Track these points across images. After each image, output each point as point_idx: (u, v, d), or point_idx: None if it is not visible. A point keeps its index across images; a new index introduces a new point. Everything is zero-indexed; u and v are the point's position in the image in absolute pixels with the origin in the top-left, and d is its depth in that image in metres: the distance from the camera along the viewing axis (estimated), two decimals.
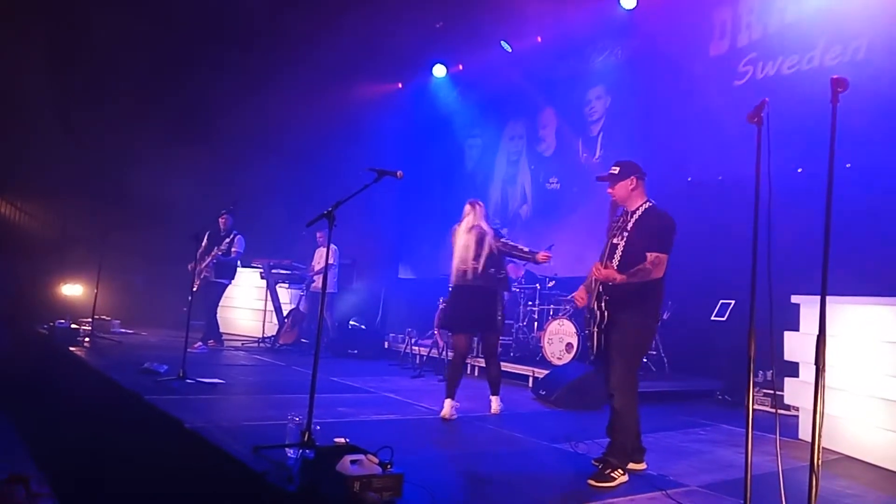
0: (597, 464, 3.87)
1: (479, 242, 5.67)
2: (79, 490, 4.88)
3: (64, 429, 6.03)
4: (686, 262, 7.83)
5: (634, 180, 4.07)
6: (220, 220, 9.06)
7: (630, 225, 4.05)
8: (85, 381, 6.58)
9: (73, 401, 6.49)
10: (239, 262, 9.52)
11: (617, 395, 3.93)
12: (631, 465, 3.91)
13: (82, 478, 5.02)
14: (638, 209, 4.09)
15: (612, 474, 3.66)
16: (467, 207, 5.87)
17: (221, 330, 9.66)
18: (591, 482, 3.61)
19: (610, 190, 4.18)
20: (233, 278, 9.44)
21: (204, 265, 8.82)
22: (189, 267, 7.87)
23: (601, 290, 4.01)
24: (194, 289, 9.07)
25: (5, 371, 8.49)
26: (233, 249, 9.05)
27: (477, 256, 5.62)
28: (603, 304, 3.98)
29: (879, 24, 6.78)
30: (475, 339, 6.60)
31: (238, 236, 9.16)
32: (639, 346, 4.03)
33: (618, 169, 4.11)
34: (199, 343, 8.89)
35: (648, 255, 3.84)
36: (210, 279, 8.93)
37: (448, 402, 5.43)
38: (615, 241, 4.10)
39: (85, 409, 6.05)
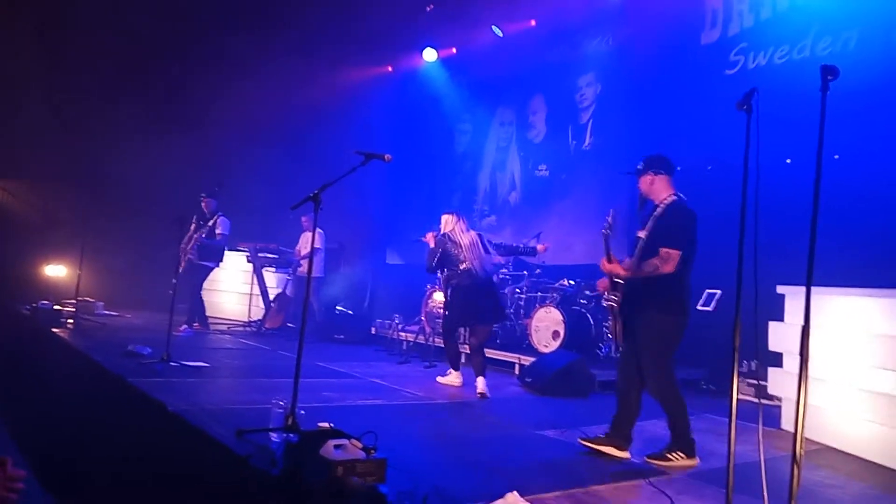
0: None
1: (481, 242, 6.31)
2: (61, 472, 4.85)
3: (46, 411, 5.98)
4: None
5: (652, 175, 4.18)
6: (201, 202, 8.97)
7: (651, 219, 4.15)
8: (68, 362, 6.53)
9: (55, 383, 6.43)
10: (225, 245, 9.39)
11: (653, 393, 4.05)
12: (613, 451, 4.01)
13: (65, 460, 4.98)
14: (661, 203, 4.16)
15: (669, 455, 3.89)
16: (450, 217, 6.38)
17: (207, 313, 9.60)
18: (652, 460, 3.90)
19: (639, 185, 4.31)
20: (219, 261, 9.33)
21: (188, 247, 8.73)
22: (180, 249, 7.85)
23: (614, 283, 4.13)
24: (179, 271, 9.02)
25: None
26: (217, 232, 8.94)
27: (487, 252, 6.34)
28: (616, 297, 4.11)
29: (871, 15, 6.77)
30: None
31: (221, 218, 9.04)
32: (660, 341, 4.03)
33: (641, 164, 4.26)
34: (185, 326, 8.83)
35: (661, 250, 3.91)
36: (194, 262, 8.85)
37: (481, 380, 5.99)
38: (640, 234, 4.20)
39: (68, 391, 6.00)
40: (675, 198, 4.15)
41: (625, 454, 4.04)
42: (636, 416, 4.14)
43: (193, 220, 8.76)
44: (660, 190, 4.19)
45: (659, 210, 4.13)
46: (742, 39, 8.06)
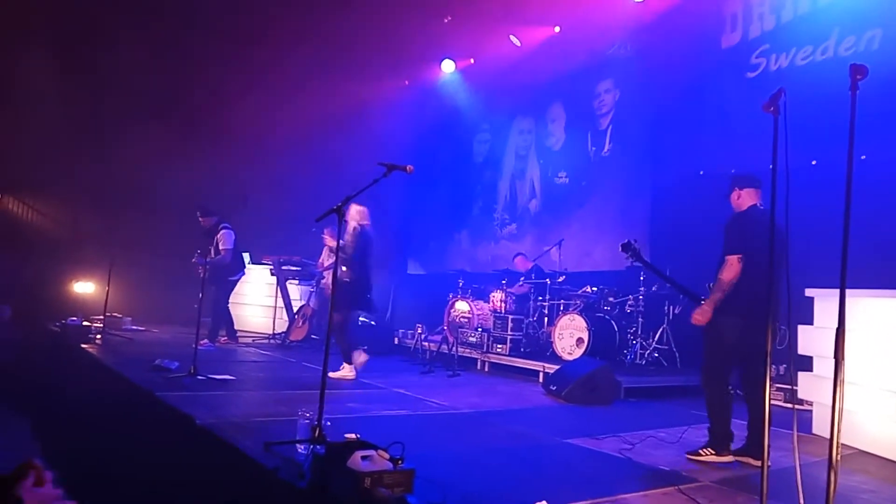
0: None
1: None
2: (91, 486, 4.90)
3: (76, 426, 6.05)
4: (698, 256, 7.82)
5: (737, 191, 4.44)
6: (200, 222, 8.71)
7: None
8: (97, 378, 6.61)
9: (84, 398, 6.51)
10: (229, 259, 8.84)
11: (703, 387, 4.38)
12: (714, 457, 4.19)
13: (94, 474, 5.04)
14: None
15: (701, 451, 4.20)
16: (363, 209, 6.80)
17: (235, 326, 9.62)
18: (688, 455, 4.22)
19: None
20: (239, 271, 9.17)
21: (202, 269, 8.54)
22: (199, 271, 7.85)
23: None
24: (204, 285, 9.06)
25: (18, 368, 8.54)
26: (221, 248, 8.65)
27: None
28: None
29: (894, 15, 6.69)
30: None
31: (224, 231, 8.72)
32: (713, 340, 4.30)
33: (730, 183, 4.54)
34: (206, 341, 8.84)
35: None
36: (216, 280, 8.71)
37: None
38: None
39: (97, 406, 6.08)
40: (748, 207, 4.40)
41: (726, 457, 4.22)
42: (726, 414, 4.31)
43: (197, 253, 8.39)
44: (744, 203, 4.43)
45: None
46: (763, 42, 7.99)
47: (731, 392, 4.32)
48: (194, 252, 7.73)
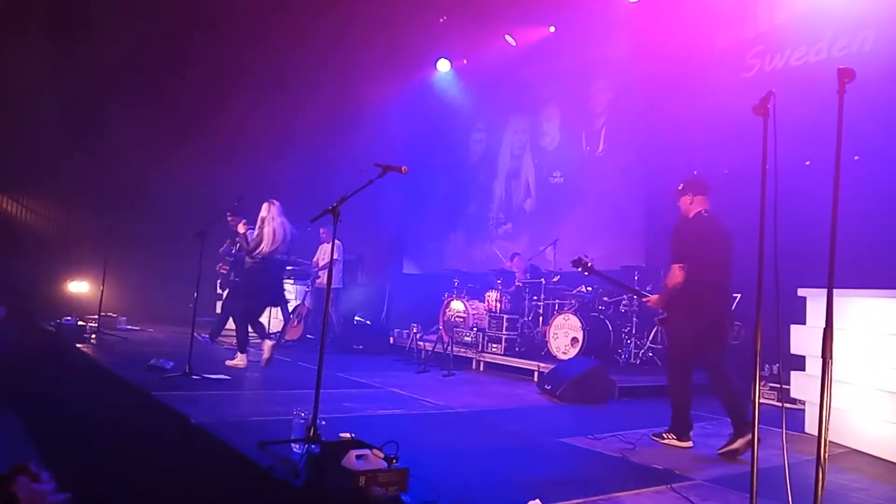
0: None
1: (286, 231, 7.20)
2: (86, 485, 4.90)
3: (71, 426, 6.05)
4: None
5: (691, 196, 4.72)
6: (229, 222, 8.68)
7: None
8: (91, 377, 6.61)
9: (79, 397, 6.51)
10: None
11: (668, 379, 4.78)
12: (674, 441, 4.59)
13: (89, 473, 5.04)
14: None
15: (664, 435, 4.59)
16: (266, 204, 7.21)
17: (229, 326, 9.59)
18: (653, 436, 4.64)
19: None
20: None
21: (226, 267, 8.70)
22: (217, 268, 7.95)
23: None
24: (220, 290, 9.15)
25: (13, 368, 8.53)
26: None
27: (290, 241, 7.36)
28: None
29: (886, 16, 6.73)
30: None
31: (251, 232, 8.89)
32: (674, 337, 4.79)
33: (681, 185, 4.81)
34: (206, 335, 8.84)
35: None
36: (234, 280, 8.75)
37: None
38: None
39: (92, 405, 6.08)
40: (692, 214, 4.74)
41: (685, 444, 4.61)
42: (688, 405, 4.68)
43: (227, 242, 8.75)
44: (693, 209, 4.74)
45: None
46: (759, 42, 8.03)
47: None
48: (194, 250, 7.78)
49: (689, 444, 4.56)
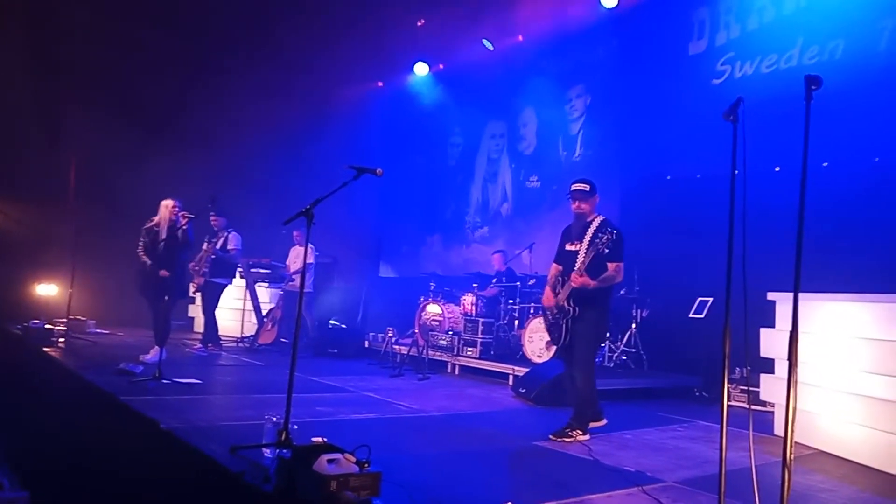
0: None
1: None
2: (54, 491, 4.81)
3: (38, 430, 5.93)
4: (665, 260, 7.94)
5: (597, 197, 5.01)
6: (210, 220, 8.77)
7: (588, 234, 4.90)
8: (59, 381, 6.48)
9: (47, 402, 6.38)
10: (238, 261, 9.32)
11: (580, 374, 4.80)
12: (593, 423, 4.82)
13: (58, 479, 4.94)
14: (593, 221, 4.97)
15: (571, 433, 4.63)
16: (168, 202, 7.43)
17: (200, 330, 9.52)
18: (552, 437, 4.61)
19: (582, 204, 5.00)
20: (232, 277, 9.28)
21: (200, 267, 8.53)
22: (189, 266, 7.88)
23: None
24: (193, 290, 9.04)
25: None
26: (229, 247, 8.73)
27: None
28: (571, 302, 4.84)
29: (856, 25, 6.86)
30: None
31: (233, 233, 8.85)
32: (592, 335, 4.89)
33: (588, 187, 4.99)
34: (199, 346, 8.77)
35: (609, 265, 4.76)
36: (208, 280, 8.65)
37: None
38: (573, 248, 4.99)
39: (59, 410, 5.95)
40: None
41: (601, 422, 4.93)
42: (596, 394, 4.94)
43: (206, 240, 8.63)
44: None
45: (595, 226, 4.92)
46: (729, 49, 8.15)
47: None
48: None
49: (588, 435, 4.77)
